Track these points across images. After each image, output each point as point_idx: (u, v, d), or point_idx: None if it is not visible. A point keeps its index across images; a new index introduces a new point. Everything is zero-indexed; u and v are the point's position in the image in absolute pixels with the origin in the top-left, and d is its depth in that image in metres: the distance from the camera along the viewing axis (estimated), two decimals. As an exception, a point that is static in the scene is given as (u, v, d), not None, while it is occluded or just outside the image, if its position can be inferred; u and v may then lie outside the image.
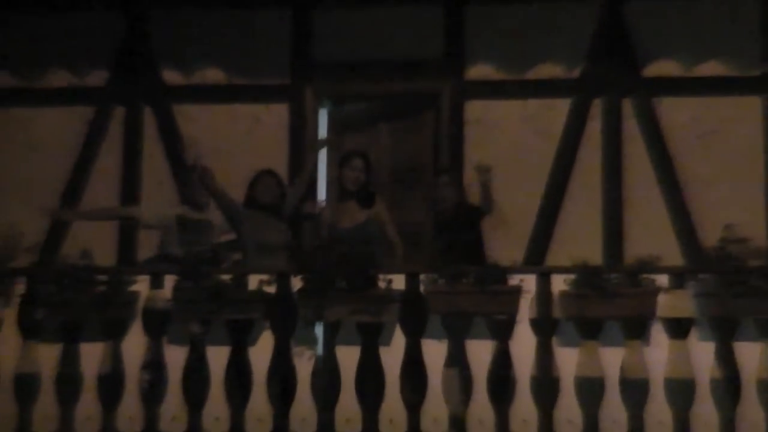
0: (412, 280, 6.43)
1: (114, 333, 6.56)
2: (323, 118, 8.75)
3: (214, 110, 8.70)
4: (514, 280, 6.35)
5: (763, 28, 8.34)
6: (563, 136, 8.37)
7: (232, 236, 7.77)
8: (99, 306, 6.45)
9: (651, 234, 8.00)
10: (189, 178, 7.85)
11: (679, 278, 6.35)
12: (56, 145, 8.64)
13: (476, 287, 6.27)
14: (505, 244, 7.62)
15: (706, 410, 6.21)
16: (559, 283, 6.35)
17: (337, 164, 7.73)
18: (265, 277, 6.45)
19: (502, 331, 6.38)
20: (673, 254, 7.87)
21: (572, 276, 6.31)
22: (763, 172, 8.19)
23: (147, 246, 8.26)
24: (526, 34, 8.51)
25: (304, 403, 6.38)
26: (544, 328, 6.38)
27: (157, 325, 6.49)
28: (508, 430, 6.31)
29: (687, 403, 6.23)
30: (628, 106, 8.39)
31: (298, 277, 6.39)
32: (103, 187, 8.51)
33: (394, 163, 8.65)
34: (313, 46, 8.69)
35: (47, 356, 6.58)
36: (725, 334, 6.27)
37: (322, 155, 8.40)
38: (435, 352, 6.37)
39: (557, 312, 6.35)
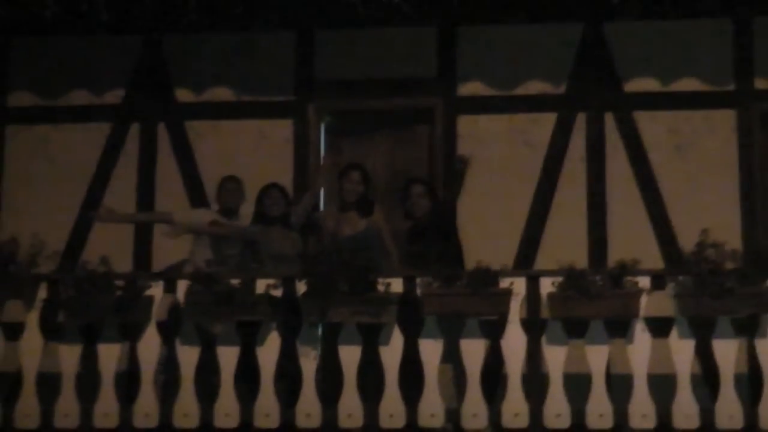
0: (409, 283, 6.41)
1: (131, 334, 6.53)
2: (323, 132, 8.68)
3: (223, 126, 8.65)
4: (504, 282, 6.33)
5: (735, 46, 8.30)
6: (549, 148, 8.32)
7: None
8: (117, 309, 6.42)
9: (633, 239, 7.95)
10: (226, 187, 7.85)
11: (659, 280, 6.34)
12: (75, 159, 8.59)
13: (469, 290, 6.24)
14: (495, 249, 7.54)
15: (686, 403, 6.17)
16: (547, 286, 6.34)
17: (337, 177, 7.67)
18: (271, 281, 6.43)
19: (494, 331, 6.36)
20: (653, 258, 7.82)
21: (559, 279, 6.28)
22: (737, 180, 8.14)
23: (163, 253, 8.23)
24: (514, 53, 8.47)
25: (309, 400, 6.34)
26: (534, 327, 6.36)
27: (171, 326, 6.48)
28: (500, 423, 6.28)
29: (668, 397, 6.20)
30: (610, 120, 8.34)
31: (303, 282, 6.35)
32: (119, 198, 8.44)
33: (390, 173, 8.60)
34: (315, 66, 8.64)
35: (68, 356, 6.57)
36: (703, 332, 6.25)
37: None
38: (431, 350, 6.35)
39: (545, 312, 6.33)
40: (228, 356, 6.43)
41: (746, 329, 6.30)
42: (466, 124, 8.48)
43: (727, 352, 6.23)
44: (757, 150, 8.21)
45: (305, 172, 8.50)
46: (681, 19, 8.29)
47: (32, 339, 6.62)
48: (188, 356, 6.48)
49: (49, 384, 6.56)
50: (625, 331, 6.28)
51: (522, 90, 8.44)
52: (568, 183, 8.26)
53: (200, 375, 6.45)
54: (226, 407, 6.39)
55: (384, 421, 6.30)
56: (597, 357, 6.27)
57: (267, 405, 6.37)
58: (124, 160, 8.63)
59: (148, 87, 8.72)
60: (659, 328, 6.27)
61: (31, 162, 8.65)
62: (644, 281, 6.28)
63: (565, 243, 8.01)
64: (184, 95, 8.71)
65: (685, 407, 6.18)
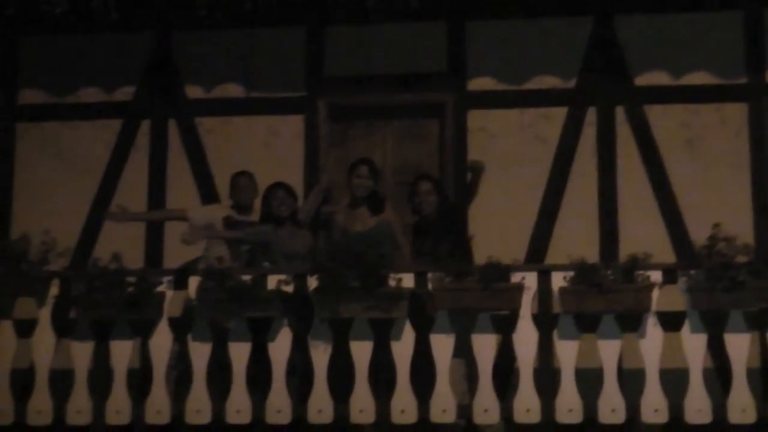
0: (420, 278, 6.40)
1: (142, 331, 6.54)
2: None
3: (234, 122, 8.66)
4: (516, 277, 6.33)
5: (747, 39, 8.27)
6: (560, 143, 8.31)
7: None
8: (128, 306, 6.43)
9: (644, 233, 7.92)
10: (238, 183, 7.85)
11: (671, 274, 6.34)
12: (86, 156, 8.60)
13: (481, 285, 6.24)
14: (507, 243, 7.54)
15: (698, 398, 6.16)
16: (559, 280, 6.34)
17: (347, 173, 7.67)
18: (283, 277, 6.43)
19: (506, 326, 6.36)
20: (665, 252, 7.79)
21: (571, 273, 6.28)
22: (749, 173, 8.12)
23: (174, 249, 8.24)
24: (524, 47, 8.46)
25: (321, 395, 6.34)
26: (545, 322, 6.36)
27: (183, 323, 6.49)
28: (512, 418, 6.28)
29: (681, 391, 6.19)
30: (620, 114, 8.33)
31: (314, 277, 6.35)
32: (130, 194, 8.45)
33: (400, 168, 8.60)
34: (325, 61, 8.64)
35: (80, 353, 6.59)
36: (716, 326, 6.24)
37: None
38: (442, 345, 6.35)
39: (557, 307, 6.33)
40: (240, 352, 6.43)
41: (758, 323, 6.31)
42: (476, 118, 8.48)
43: (739, 346, 6.23)
44: (768, 143, 8.21)
45: (316, 167, 8.50)
46: (691, 12, 8.28)
47: (44, 336, 6.64)
48: (200, 352, 6.49)
49: (61, 381, 6.58)
50: (636, 326, 6.28)
51: (532, 84, 8.43)
52: (579, 177, 8.25)
53: (212, 371, 6.46)
54: (238, 403, 6.40)
55: (396, 417, 6.30)
56: (609, 351, 6.27)
57: (279, 401, 6.37)
58: (134, 156, 8.64)
59: (158, 84, 8.73)
60: (671, 322, 6.27)
61: (41, 159, 8.67)
62: (656, 275, 6.28)
63: (576, 237, 8.00)
64: (194, 92, 8.71)
65: (698, 402, 6.17)
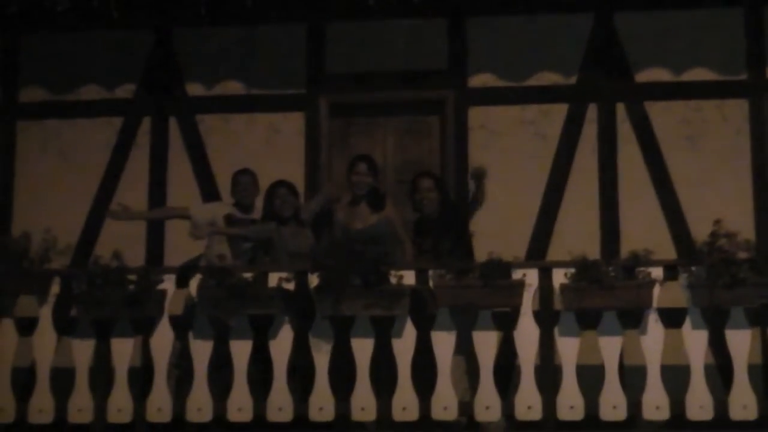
0: (421, 275, 6.39)
1: (143, 329, 6.53)
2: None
3: (235, 120, 8.65)
4: (517, 274, 6.32)
5: (747, 35, 8.27)
6: (561, 139, 8.31)
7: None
8: (129, 304, 6.42)
9: (645, 229, 7.94)
10: (239, 181, 7.83)
11: (672, 271, 6.33)
12: (87, 154, 8.60)
13: (482, 281, 6.23)
14: (507, 240, 7.52)
15: (700, 394, 6.15)
16: (560, 277, 6.33)
17: (346, 170, 7.65)
18: (284, 274, 6.42)
19: (507, 323, 6.35)
20: (666, 248, 7.80)
21: (572, 270, 6.26)
22: (750, 170, 8.12)
23: (175, 247, 8.24)
24: (524, 44, 8.45)
25: (322, 393, 6.33)
26: (546, 319, 6.35)
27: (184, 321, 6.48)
28: (513, 415, 6.27)
29: (682, 388, 6.19)
30: (621, 111, 8.32)
31: (315, 275, 6.34)
32: (131, 192, 8.45)
33: (401, 165, 8.59)
34: (326, 58, 8.63)
35: (81, 351, 6.58)
36: (717, 323, 6.23)
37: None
38: (444, 342, 6.33)
39: (558, 304, 6.32)
40: (241, 350, 6.42)
41: (759, 319, 6.30)
42: (477, 115, 8.47)
43: (740, 342, 6.22)
44: (769, 139, 8.19)
45: (317, 164, 8.50)
46: (692, 9, 8.27)
47: (45, 334, 6.62)
48: (201, 350, 6.48)
49: (62, 379, 6.56)
50: (638, 322, 6.26)
51: (533, 81, 8.43)
52: (580, 174, 8.25)
53: (213, 369, 6.45)
54: (240, 401, 6.39)
55: (397, 414, 6.29)
56: (610, 348, 6.25)
57: (280, 399, 6.36)
58: (135, 154, 8.64)
59: (158, 81, 8.73)
60: (672, 318, 6.25)
61: (42, 157, 8.67)
62: (657, 272, 6.26)
63: (577, 234, 7.99)
64: (194, 89, 8.70)
65: (699, 398, 6.16)
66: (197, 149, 8.60)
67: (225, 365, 6.42)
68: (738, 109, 8.25)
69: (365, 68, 8.56)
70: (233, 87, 8.68)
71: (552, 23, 8.41)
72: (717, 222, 6.25)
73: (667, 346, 6.24)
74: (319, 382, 6.34)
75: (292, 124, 8.61)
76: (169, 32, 8.75)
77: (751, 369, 6.19)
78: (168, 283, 6.56)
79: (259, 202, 7.76)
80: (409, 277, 6.37)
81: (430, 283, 6.37)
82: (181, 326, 6.54)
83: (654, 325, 6.26)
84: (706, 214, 6.92)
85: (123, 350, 6.53)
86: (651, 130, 8.23)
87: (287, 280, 6.41)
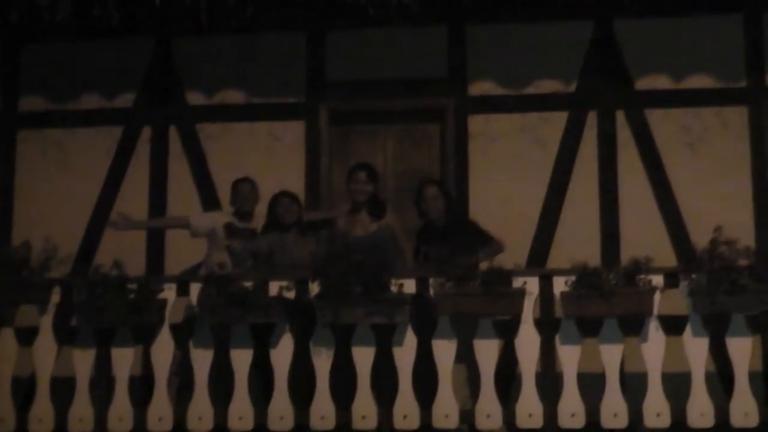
0: (422, 283, 6.39)
1: (144, 338, 6.53)
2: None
3: (235, 128, 8.66)
4: (517, 282, 6.30)
5: (747, 42, 8.28)
6: (561, 147, 8.31)
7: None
8: (130, 313, 6.42)
9: (646, 236, 7.93)
10: (239, 190, 7.84)
11: (673, 278, 6.32)
12: (88, 163, 8.61)
13: (482, 289, 6.22)
14: (508, 248, 7.51)
15: (701, 402, 6.15)
16: (560, 285, 6.31)
17: (346, 179, 7.66)
18: (284, 283, 6.41)
19: (508, 331, 6.34)
20: (666, 255, 7.80)
21: (572, 277, 6.25)
22: (750, 176, 8.13)
23: (176, 256, 8.25)
24: (524, 51, 8.46)
25: (323, 402, 6.33)
26: (547, 327, 6.35)
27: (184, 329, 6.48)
28: (514, 423, 6.26)
29: (683, 395, 6.18)
30: (621, 118, 8.33)
31: (316, 283, 6.34)
32: (131, 201, 8.46)
33: (401, 172, 8.60)
34: (326, 67, 8.64)
35: (81, 361, 6.57)
36: (717, 330, 6.22)
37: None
38: (445, 351, 6.33)
39: (559, 312, 6.31)
40: (241, 359, 6.42)
41: (760, 326, 6.29)
42: (477, 123, 8.48)
43: (741, 349, 6.21)
44: (769, 146, 8.19)
45: (317, 172, 8.51)
46: (691, 15, 8.29)
47: (46, 343, 6.62)
48: (202, 359, 6.47)
49: (62, 388, 6.55)
50: (638, 330, 6.26)
51: (533, 89, 8.44)
52: (580, 181, 8.26)
53: (214, 378, 6.45)
54: (240, 410, 6.38)
55: (398, 423, 6.28)
56: (611, 356, 6.25)
57: (281, 407, 6.35)
58: (135, 163, 8.65)
59: (158, 90, 8.74)
60: (673, 326, 6.25)
61: (42, 166, 8.68)
62: (657, 279, 6.26)
63: (577, 241, 8.00)
64: (194, 98, 8.72)
65: (700, 405, 6.15)
66: (197, 158, 8.61)
67: (226, 373, 6.42)
68: (738, 116, 8.26)
69: (365, 76, 8.57)
70: (233, 95, 8.69)
71: (551, 31, 8.42)
72: (717, 229, 6.24)
73: (668, 354, 6.23)
74: (320, 391, 6.33)
75: (292, 132, 8.61)
76: (169, 41, 8.76)
77: (752, 376, 6.19)
78: (168, 292, 6.56)
79: (258, 210, 7.76)
80: (410, 286, 6.37)
81: (431, 291, 6.37)
82: (182, 335, 6.53)
83: (655, 332, 6.26)
84: (706, 221, 6.93)
85: (123, 359, 6.52)
86: (651, 137, 8.24)
87: (288, 288, 6.41)
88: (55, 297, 6.65)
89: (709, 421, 6.13)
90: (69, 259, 7.14)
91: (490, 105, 8.48)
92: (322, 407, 6.33)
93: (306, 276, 6.46)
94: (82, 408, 6.50)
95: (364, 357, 6.34)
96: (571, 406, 6.22)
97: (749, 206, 8.09)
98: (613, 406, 6.19)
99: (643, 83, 8.34)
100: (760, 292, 6.09)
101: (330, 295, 6.25)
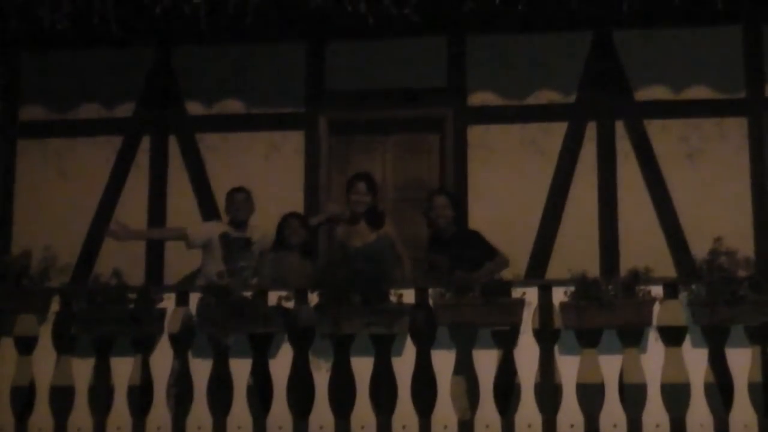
0: (421, 294, 6.40)
1: (143, 347, 6.53)
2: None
3: (234, 138, 8.66)
4: (517, 292, 6.31)
5: (746, 53, 8.29)
6: (560, 157, 8.32)
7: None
8: (129, 322, 6.42)
9: (645, 247, 7.92)
10: (234, 199, 7.87)
11: (672, 289, 6.33)
12: (87, 172, 8.62)
13: (481, 300, 6.23)
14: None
15: (700, 413, 6.15)
16: (560, 295, 6.32)
17: (345, 189, 7.68)
18: (283, 293, 6.42)
19: (507, 341, 6.35)
20: (666, 266, 7.81)
21: (572, 288, 6.26)
22: (749, 187, 8.13)
23: (175, 265, 8.25)
24: (524, 62, 8.47)
25: (321, 411, 6.33)
26: (546, 337, 6.35)
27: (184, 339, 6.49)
28: (513, 434, 6.27)
29: (682, 406, 6.18)
30: (621, 129, 8.34)
31: (315, 293, 6.35)
32: (131, 210, 8.46)
33: (401, 183, 8.61)
34: (326, 77, 8.66)
35: (81, 370, 6.58)
36: (717, 341, 6.22)
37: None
38: (444, 361, 6.34)
39: (558, 322, 6.32)
40: (240, 368, 6.43)
41: (760, 337, 6.30)
42: (476, 133, 8.49)
43: (740, 360, 6.22)
44: (768, 157, 8.21)
45: (316, 183, 8.52)
46: (691, 27, 8.29)
47: (45, 352, 6.63)
48: (201, 369, 6.48)
49: (62, 397, 6.56)
50: (638, 340, 6.27)
51: (532, 99, 8.45)
52: (580, 192, 8.26)
53: (213, 387, 6.45)
54: (239, 419, 6.39)
55: (397, 433, 6.30)
56: (610, 366, 6.26)
57: (280, 417, 6.36)
58: (135, 172, 8.65)
59: (158, 100, 8.74)
60: (672, 336, 6.26)
61: (42, 175, 8.69)
62: (657, 290, 6.27)
63: (576, 252, 7.99)
64: (194, 108, 8.73)
65: (699, 416, 6.16)
66: (197, 168, 8.62)
67: (225, 382, 6.43)
68: (737, 127, 8.26)
69: (365, 86, 8.58)
70: (233, 105, 8.70)
71: (551, 42, 8.44)
72: (717, 240, 6.26)
73: (667, 365, 6.24)
74: (319, 401, 6.34)
75: (292, 142, 8.62)
76: (169, 51, 8.77)
77: (752, 387, 6.20)
78: (168, 302, 6.57)
79: (253, 221, 7.79)
80: (409, 296, 6.38)
81: (430, 302, 6.38)
82: (181, 345, 6.54)
83: (654, 343, 6.27)
84: (705, 231, 6.96)
85: (122, 368, 6.54)
86: (650, 148, 8.24)
87: (287, 298, 6.42)
88: (55, 306, 6.67)
89: (708, 433, 6.15)
90: (68, 268, 7.19)
91: (489, 115, 8.48)
92: (321, 417, 6.34)
93: (305, 286, 6.48)
94: (81, 417, 6.51)
95: (363, 367, 6.35)
96: (570, 416, 6.23)
97: (749, 217, 8.08)
98: (613, 417, 6.20)
99: (643, 94, 8.35)
100: (760, 303, 6.11)
101: (329, 306, 6.26)
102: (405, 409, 6.30)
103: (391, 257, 7.44)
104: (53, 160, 8.70)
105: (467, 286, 6.30)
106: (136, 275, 7.84)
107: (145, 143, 8.71)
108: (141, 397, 6.57)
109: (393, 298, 6.30)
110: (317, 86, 8.66)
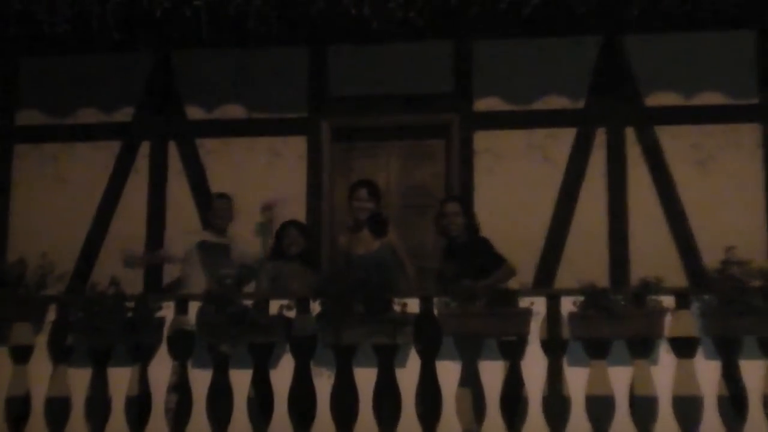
0: (425, 303, 6.36)
1: (141, 357, 6.49)
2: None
3: (235, 144, 8.65)
4: (524, 302, 6.27)
5: (759, 58, 8.26)
6: (569, 164, 8.29)
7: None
8: (127, 331, 6.39)
9: (655, 256, 7.89)
10: (214, 206, 7.88)
11: (683, 299, 6.28)
12: (85, 178, 8.60)
13: (488, 309, 6.19)
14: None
15: (713, 426, 6.10)
16: (568, 305, 6.28)
17: (347, 196, 7.64)
18: (285, 302, 6.39)
19: (514, 352, 6.30)
20: (677, 276, 7.76)
21: (580, 298, 6.22)
22: (762, 195, 8.09)
23: (173, 274, 8.23)
24: (531, 67, 8.45)
25: (324, 423, 6.29)
26: (554, 348, 6.30)
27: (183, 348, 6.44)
28: (520, 447, 6.22)
29: (694, 419, 6.12)
30: (630, 135, 8.31)
31: (317, 302, 6.31)
32: (130, 217, 8.46)
33: (406, 189, 8.58)
34: (329, 82, 8.64)
35: (77, 380, 6.54)
36: (730, 353, 6.17)
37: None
38: (449, 372, 6.29)
39: (566, 333, 6.28)
40: (241, 379, 6.38)
41: (773, 349, 6.24)
42: (482, 139, 8.46)
43: (754, 372, 6.16)
44: (782, 165, 8.16)
45: (319, 189, 8.49)
46: (702, 32, 8.25)
47: (41, 362, 6.59)
48: (200, 379, 6.43)
49: (57, 408, 6.52)
50: (648, 352, 6.22)
51: (540, 105, 8.42)
52: (589, 199, 8.22)
53: (212, 398, 6.41)
54: (239, 430, 6.34)
55: (401, 445, 6.25)
56: (620, 378, 6.21)
57: (281, 429, 6.32)
58: (134, 178, 8.63)
59: (158, 105, 8.73)
60: (684, 348, 6.21)
61: (40, 181, 8.67)
62: (668, 300, 6.22)
63: (585, 261, 7.97)
64: (194, 112, 8.71)
65: (712, 430, 6.11)
66: (197, 173, 8.59)
67: (225, 393, 6.38)
68: (749, 133, 8.23)
69: (368, 91, 8.56)
70: (234, 110, 8.68)
71: (559, 46, 8.41)
72: (729, 249, 6.22)
73: (678, 377, 6.19)
74: (321, 412, 6.29)
75: (294, 148, 8.60)
76: (169, 55, 8.76)
77: (766, 400, 6.14)
78: (167, 310, 6.53)
79: (236, 227, 7.87)
80: (414, 305, 6.33)
81: (435, 311, 6.33)
82: (180, 354, 6.50)
83: (665, 354, 6.22)
84: (717, 240, 6.91)
85: (120, 379, 6.50)
86: (661, 154, 8.21)
87: (288, 307, 6.38)
88: (51, 315, 6.64)
89: (720, 447, 6.10)
90: (65, 275, 7.20)
91: (496, 121, 8.46)
92: (323, 429, 6.29)
93: (307, 295, 6.44)
94: (77, 429, 6.47)
95: (366, 378, 6.31)
96: (578, 430, 6.18)
97: (762, 225, 8.04)
98: (622, 431, 6.14)
99: (653, 100, 8.32)
100: (773, 314, 6.06)
101: (331, 315, 6.22)
102: (409, 422, 6.25)
103: (394, 265, 7.39)
104: (51, 165, 8.68)
105: (473, 295, 6.25)
106: (134, 283, 7.82)
107: (145, 148, 8.69)
108: (139, 408, 6.52)
109: (397, 308, 6.25)
110: (320, 91, 8.64)
